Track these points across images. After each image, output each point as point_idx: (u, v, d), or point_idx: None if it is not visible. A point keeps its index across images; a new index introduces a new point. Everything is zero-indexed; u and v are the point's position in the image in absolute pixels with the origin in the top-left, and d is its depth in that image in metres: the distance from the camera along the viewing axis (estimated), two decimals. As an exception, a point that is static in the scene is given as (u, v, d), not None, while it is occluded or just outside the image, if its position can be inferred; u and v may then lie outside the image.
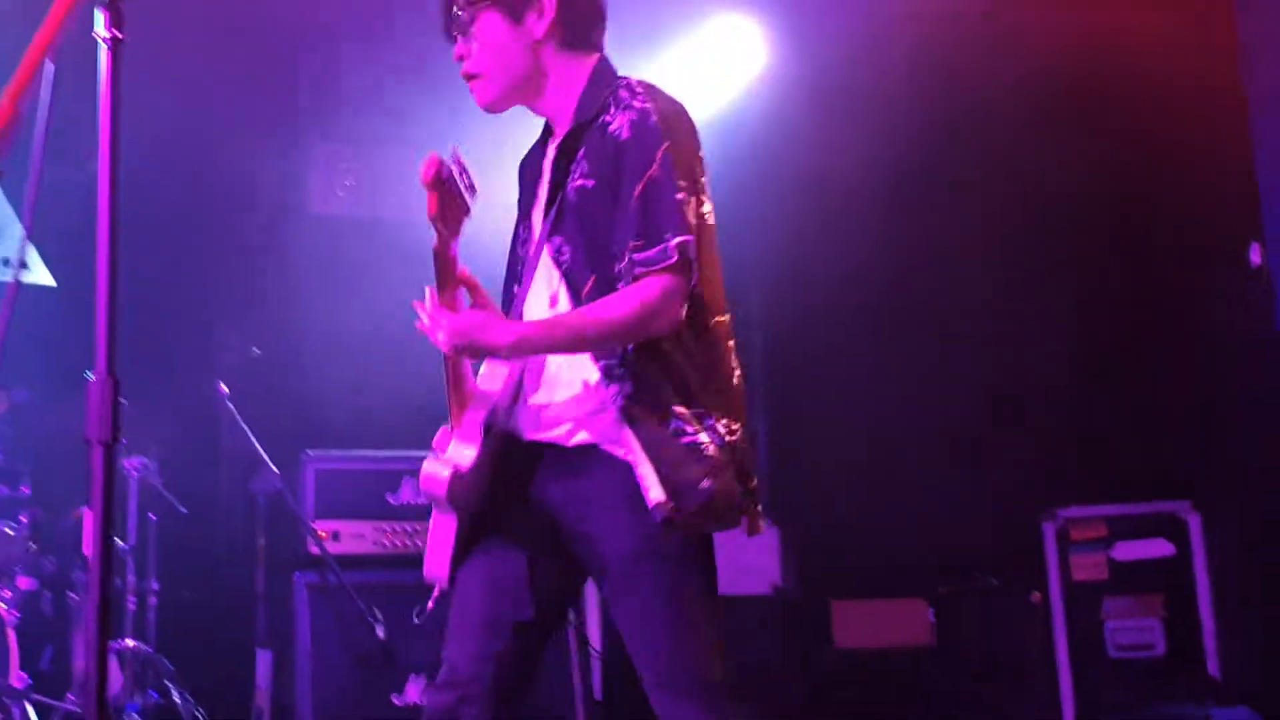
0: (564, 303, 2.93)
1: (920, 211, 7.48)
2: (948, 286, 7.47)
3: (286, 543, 6.08)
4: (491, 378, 2.98)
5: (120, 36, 2.04)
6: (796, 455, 7.95)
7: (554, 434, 2.94)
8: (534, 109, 3.12)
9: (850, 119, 7.10)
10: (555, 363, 2.95)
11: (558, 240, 2.93)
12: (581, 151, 2.93)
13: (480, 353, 2.84)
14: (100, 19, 2.03)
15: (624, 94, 2.93)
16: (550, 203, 2.97)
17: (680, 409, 2.82)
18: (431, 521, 2.94)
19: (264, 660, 6.02)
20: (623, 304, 2.78)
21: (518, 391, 3.01)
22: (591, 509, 2.87)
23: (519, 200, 3.17)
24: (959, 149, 7.33)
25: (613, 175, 2.86)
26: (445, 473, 2.83)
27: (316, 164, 7.52)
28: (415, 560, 3.02)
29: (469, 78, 3.03)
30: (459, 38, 3.02)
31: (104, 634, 2.06)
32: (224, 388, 6.14)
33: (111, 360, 2.07)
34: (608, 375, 2.85)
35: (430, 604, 3.07)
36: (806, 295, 7.75)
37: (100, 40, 2.02)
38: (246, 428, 6.06)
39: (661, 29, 7.04)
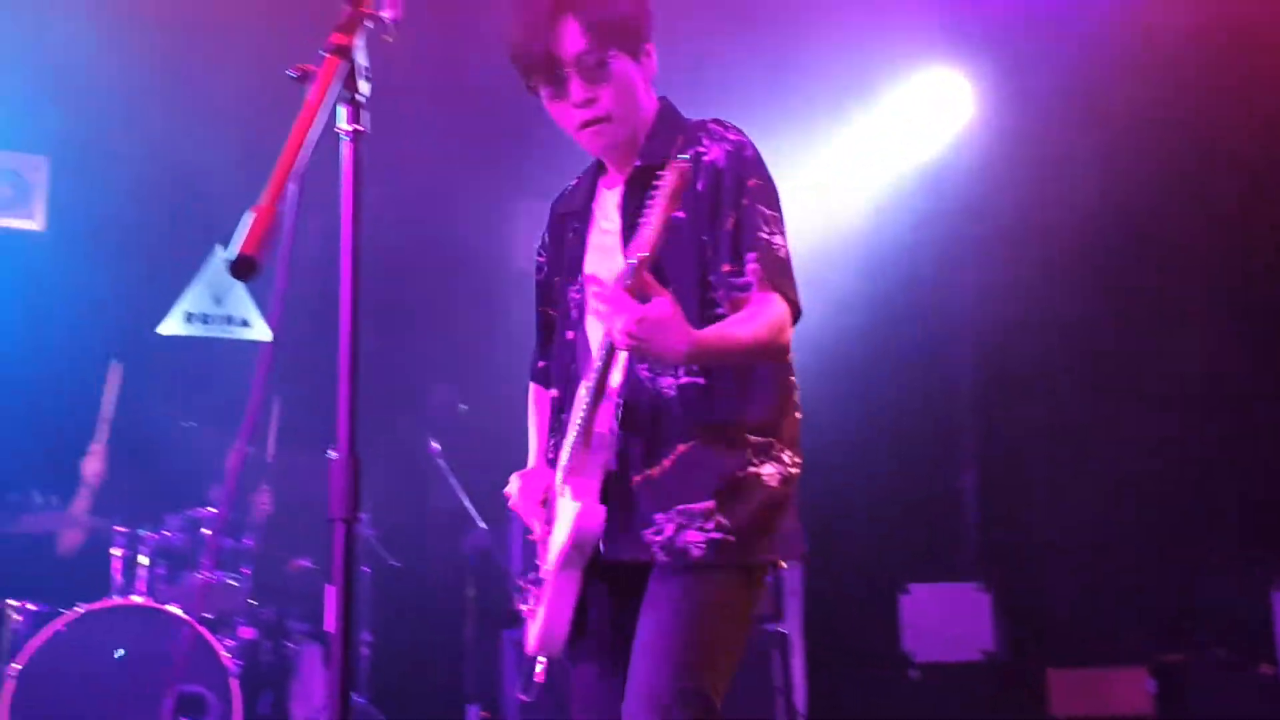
0: None
1: (1141, 264, 7.24)
2: (1168, 343, 7.18)
3: (494, 599, 6.16)
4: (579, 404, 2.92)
5: (361, 130, 2.11)
6: (1009, 512, 7.72)
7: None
8: (615, 159, 3.10)
9: (1066, 170, 6.94)
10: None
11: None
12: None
13: (652, 354, 2.72)
14: (342, 114, 2.10)
15: (715, 127, 3.00)
16: (627, 239, 2.92)
17: (754, 438, 2.88)
18: (552, 582, 2.89)
19: (473, 715, 6.10)
20: (764, 321, 2.81)
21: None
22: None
23: (561, 245, 3.16)
24: (1178, 202, 7.07)
25: (709, 202, 2.90)
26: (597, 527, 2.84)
27: (521, 221, 7.66)
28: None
29: (598, 121, 2.97)
30: (582, 83, 2.95)
31: (345, 710, 2.09)
32: (435, 445, 6.27)
33: (353, 440, 2.12)
34: (682, 397, 2.86)
35: (539, 677, 3.05)
36: (1022, 346, 7.55)
37: (342, 134, 2.09)
38: (456, 484, 6.17)
39: (874, 81, 7.16)
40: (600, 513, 2.83)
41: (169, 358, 7.20)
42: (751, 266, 2.83)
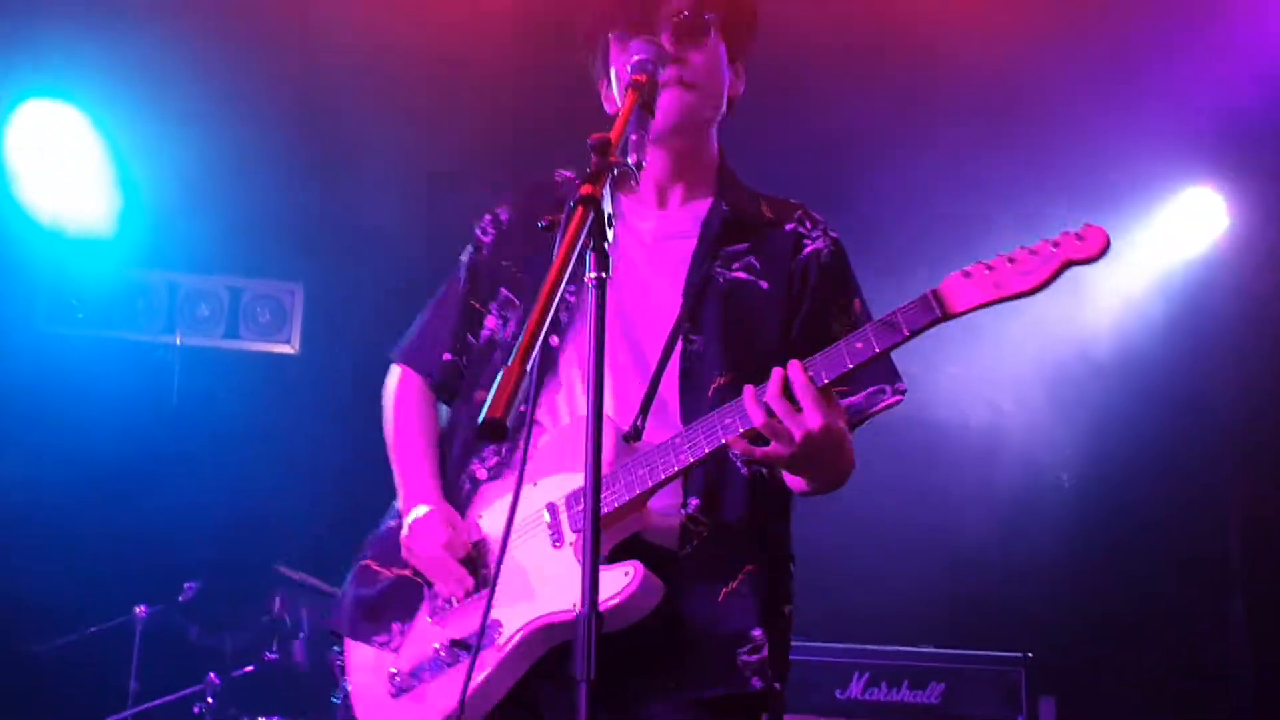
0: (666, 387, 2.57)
1: None
2: None
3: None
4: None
5: (606, 276, 2.08)
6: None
7: None
8: (673, 166, 2.76)
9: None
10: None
11: (686, 324, 2.60)
12: (746, 245, 2.67)
13: (815, 473, 2.44)
14: (589, 261, 2.08)
15: (818, 217, 2.76)
16: (693, 280, 2.63)
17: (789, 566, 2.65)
18: (502, 658, 2.45)
19: None
20: (850, 458, 2.54)
21: None
22: None
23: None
24: None
25: (812, 299, 2.67)
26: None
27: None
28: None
29: (684, 85, 2.64)
30: (673, 39, 2.63)
31: None
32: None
33: (594, 599, 2.05)
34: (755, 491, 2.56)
35: None
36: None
37: (589, 282, 2.07)
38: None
39: (1141, 199, 7.11)
40: (660, 591, 2.39)
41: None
42: (883, 398, 2.55)
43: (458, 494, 2.69)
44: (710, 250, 2.65)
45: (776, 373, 2.32)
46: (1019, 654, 5.53)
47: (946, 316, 2.26)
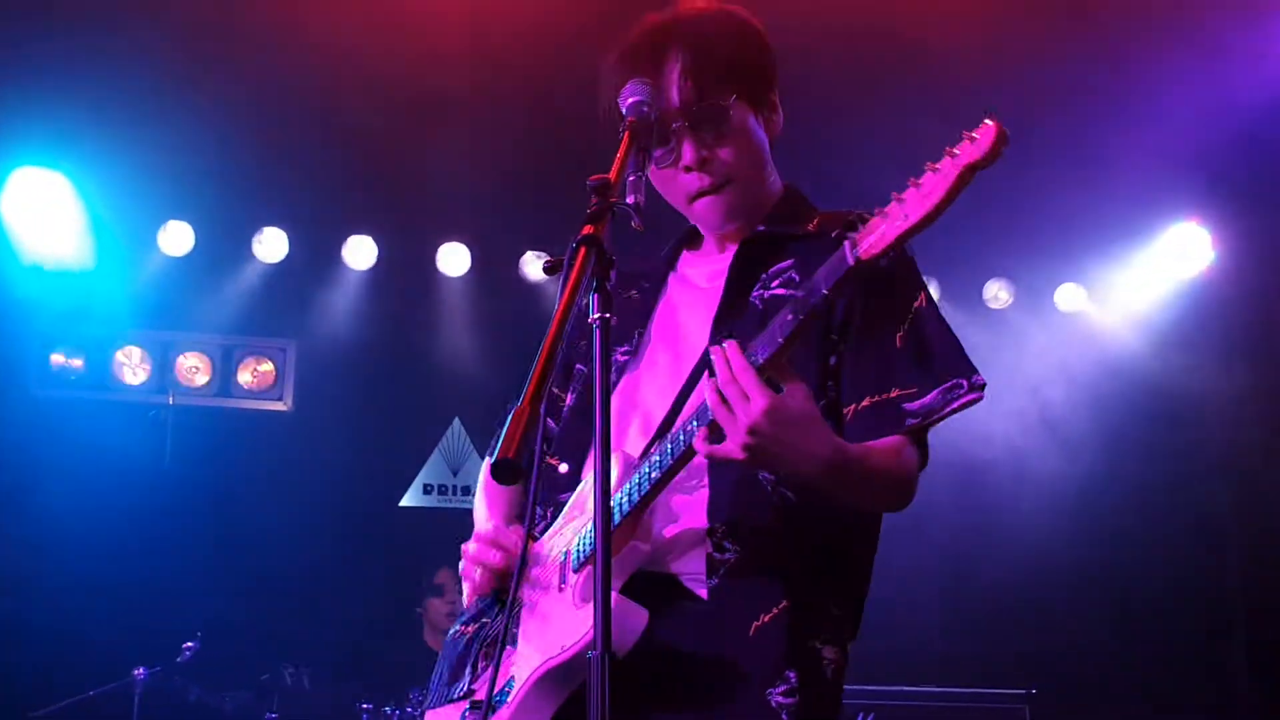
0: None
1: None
2: None
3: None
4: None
5: (609, 317, 2.08)
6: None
7: None
8: (731, 218, 2.56)
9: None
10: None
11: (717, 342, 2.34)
12: (790, 262, 2.46)
13: (779, 458, 2.17)
14: (591, 302, 2.08)
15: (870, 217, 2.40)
16: (728, 307, 2.46)
17: (836, 610, 2.38)
18: (520, 695, 2.33)
19: None
20: (909, 464, 2.33)
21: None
22: None
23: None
24: None
25: (868, 307, 2.39)
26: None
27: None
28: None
29: (715, 189, 2.48)
30: (694, 141, 2.45)
31: None
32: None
33: (607, 639, 2.02)
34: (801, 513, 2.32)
35: None
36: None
37: (594, 322, 2.07)
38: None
39: (1131, 235, 7.24)
40: (642, 617, 2.23)
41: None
42: (959, 395, 2.31)
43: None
44: (746, 274, 2.49)
45: (717, 356, 2.16)
46: (1023, 690, 5.52)
47: (861, 263, 2.07)
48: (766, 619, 2.31)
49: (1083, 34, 5.97)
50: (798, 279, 2.43)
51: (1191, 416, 7.33)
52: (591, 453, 2.43)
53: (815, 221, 2.54)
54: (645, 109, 2.32)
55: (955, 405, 2.34)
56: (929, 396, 2.33)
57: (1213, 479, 7.45)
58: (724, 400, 2.14)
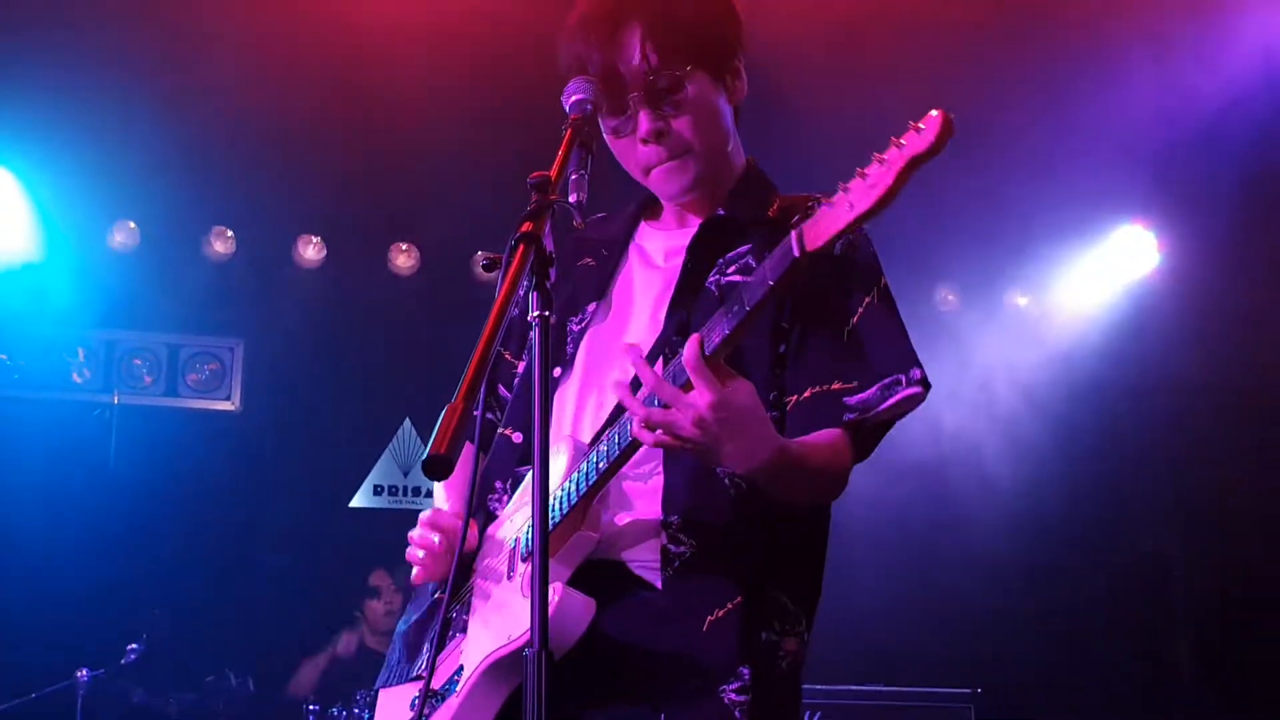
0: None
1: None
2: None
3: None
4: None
5: (548, 315, 2.08)
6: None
7: None
8: (691, 192, 2.52)
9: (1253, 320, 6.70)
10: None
11: (672, 336, 2.38)
12: (747, 247, 2.44)
13: (718, 453, 2.12)
14: (531, 300, 2.08)
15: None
16: (684, 291, 2.43)
17: (788, 603, 2.35)
18: (468, 686, 2.31)
19: None
20: (846, 458, 2.30)
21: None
22: None
23: (567, 273, 2.53)
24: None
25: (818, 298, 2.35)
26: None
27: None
28: None
29: (673, 156, 2.43)
30: (650, 111, 2.42)
31: None
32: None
33: (544, 633, 2.02)
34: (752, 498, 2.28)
35: None
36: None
37: (533, 320, 2.07)
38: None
39: (1073, 239, 7.30)
40: (589, 608, 2.21)
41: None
42: (898, 390, 2.29)
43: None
44: (702, 258, 2.46)
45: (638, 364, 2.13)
46: (968, 690, 5.56)
47: (807, 254, 2.02)
48: (721, 614, 2.27)
49: (1032, 34, 6.02)
50: (754, 265, 2.39)
51: (1140, 415, 7.42)
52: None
53: (775, 206, 2.49)
54: (589, 107, 2.32)
55: (892, 401, 2.32)
56: (868, 392, 2.31)
57: (1158, 481, 7.53)
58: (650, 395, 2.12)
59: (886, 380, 2.31)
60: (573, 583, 2.24)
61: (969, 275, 7.59)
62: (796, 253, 2.03)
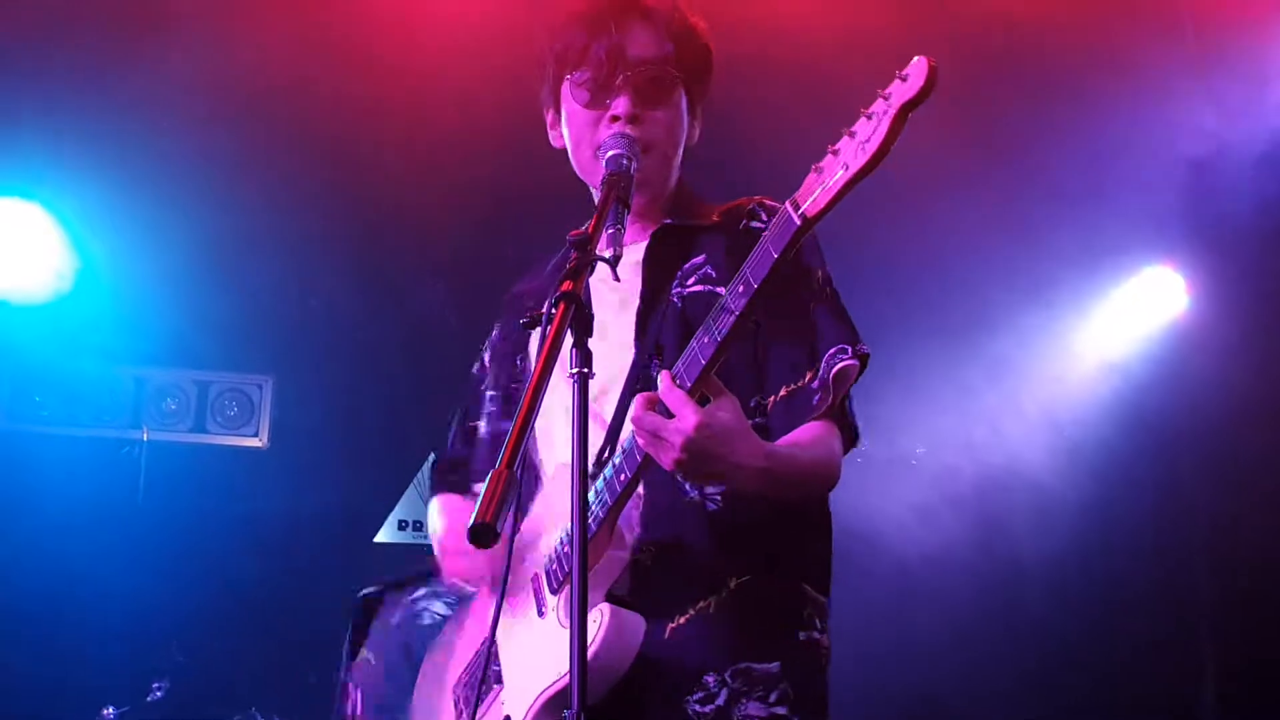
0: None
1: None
2: None
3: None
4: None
5: (588, 372, 2.07)
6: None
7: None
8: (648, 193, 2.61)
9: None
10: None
11: (646, 357, 2.44)
12: (703, 257, 2.51)
13: (710, 472, 2.18)
14: (571, 356, 2.08)
15: (774, 204, 2.50)
16: (649, 308, 2.49)
17: (812, 592, 2.41)
18: None
19: None
20: (833, 448, 2.38)
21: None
22: None
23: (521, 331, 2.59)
24: None
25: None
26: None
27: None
28: None
29: (643, 146, 2.48)
30: (632, 98, 2.50)
31: None
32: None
33: (583, 667, 2.02)
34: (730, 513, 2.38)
35: None
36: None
37: (571, 377, 2.07)
38: None
39: (1100, 280, 7.22)
40: (640, 622, 2.23)
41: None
42: (841, 359, 2.37)
43: None
44: (661, 271, 2.52)
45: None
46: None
47: (808, 220, 2.04)
48: (682, 620, 2.29)
49: (1060, 74, 6.01)
50: (714, 275, 2.46)
51: (1161, 468, 7.35)
52: (538, 450, 2.56)
53: (715, 214, 2.57)
54: (625, 162, 2.35)
55: (836, 369, 2.36)
56: (820, 375, 2.38)
57: (1188, 524, 7.45)
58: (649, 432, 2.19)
59: (830, 352, 2.40)
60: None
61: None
62: (798, 221, 2.04)
